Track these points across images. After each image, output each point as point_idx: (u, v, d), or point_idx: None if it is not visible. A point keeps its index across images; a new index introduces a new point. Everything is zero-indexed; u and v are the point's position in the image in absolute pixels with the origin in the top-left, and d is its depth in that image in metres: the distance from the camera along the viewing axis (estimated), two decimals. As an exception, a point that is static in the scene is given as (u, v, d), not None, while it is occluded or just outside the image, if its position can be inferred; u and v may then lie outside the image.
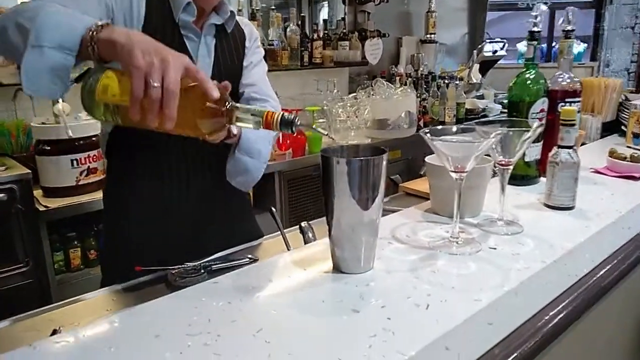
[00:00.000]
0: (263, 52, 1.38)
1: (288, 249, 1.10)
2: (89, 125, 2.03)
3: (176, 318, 0.70)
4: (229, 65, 1.24)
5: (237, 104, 0.79)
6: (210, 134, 0.82)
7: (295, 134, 2.51)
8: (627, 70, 5.77)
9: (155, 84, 0.71)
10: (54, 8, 0.81)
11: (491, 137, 0.84)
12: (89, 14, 0.85)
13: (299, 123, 0.76)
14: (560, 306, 0.83)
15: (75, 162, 2.00)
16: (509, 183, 1.03)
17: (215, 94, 0.76)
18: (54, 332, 0.80)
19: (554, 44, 5.84)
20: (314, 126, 0.85)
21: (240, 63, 1.27)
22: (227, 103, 0.78)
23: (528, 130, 0.93)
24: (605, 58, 5.75)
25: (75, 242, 2.06)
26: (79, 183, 2.01)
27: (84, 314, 0.99)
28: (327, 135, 0.88)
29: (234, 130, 1.09)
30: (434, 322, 0.67)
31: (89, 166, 2.03)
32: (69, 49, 0.77)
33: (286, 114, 0.76)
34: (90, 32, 0.77)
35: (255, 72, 1.32)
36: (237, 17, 1.27)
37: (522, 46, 6.78)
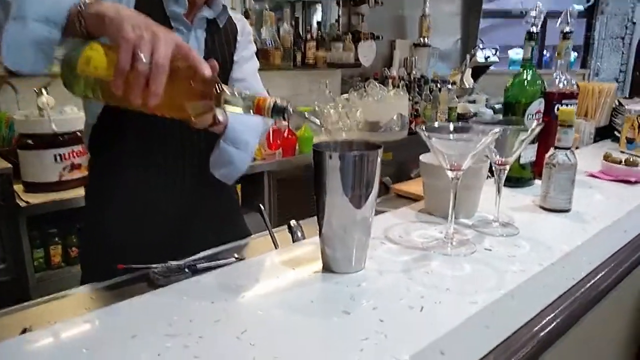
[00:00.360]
0: (255, 48, 1.34)
1: (276, 248, 1.06)
2: (74, 120, 1.97)
3: (155, 318, 0.65)
4: (219, 59, 1.19)
5: (227, 87, 0.75)
6: (196, 117, 0.77)
7: (287, 123, 2.45)
8: (616, 79, 5.83)
9: (144, 58, 0.68)
10: None
11: (489, 135, 0.81)
12: None
13: (291, 110, 0.72)
14: (558, 310, 0.80)
15: (58, 157, 1.94)
16: (503, 185, 1.00)
17: (207, 71, 0.72)
18: (24, 331, 0.76)
19: (545, 51, 5.88)
20: (306, 114, 0.81)
21: (231, 58, 1.24)
22: (217, 84, 0.74)
23: (526, 130, 0.90)
24: (595, 67, 5.81)
25: (56, 239, 2.00)
26: (62, 179, 1.96)
27: (61, 312, 0.94)
28: (320, 126, 0.84)
29: (220, 117, 1.04)
30: (428, 325, 0.64)
31: (72, 162, 1.98)
32: (55, 22, 0.73)
33: (279, 100, 0.72)
34: (78, 6, 0.73)
35: (247, 67, 1.28)
36: (231, 12, 1.24)
37: (513, 53, 6.83)
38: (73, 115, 1.98)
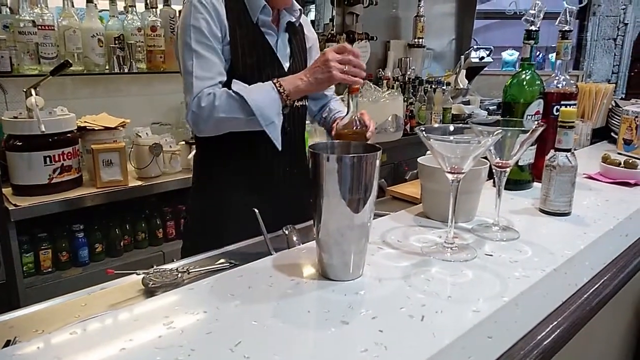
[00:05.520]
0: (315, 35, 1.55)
1: (271, 254, 1.04)
2: (64, 121, 1.93)
3: (145, 329, 0.63)
4: (301, 54, 1.41)
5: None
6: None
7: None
8: (608, 81, 5.85)
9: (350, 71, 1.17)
10: (248, 94, 1.19)
11: (491, 136, 0.79)
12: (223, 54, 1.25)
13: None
14: (561, 318, 0.78)
15: (48, 159, 1.90)
16: (504, 187, 0.98)
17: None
18: (7, 344, 0.72)
19: (537, 52, 5.89)
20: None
21: (306, 50, 1.44)
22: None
23: (527, 131, 0.88)
24: (588, 68, 5.82)
25: (47, 244, 1.96)
26: (52, 181, 1.91)
27: (50, 320, 0.90)
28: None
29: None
30: (430, 336, 0.61)
31: (63, 163, 1.93)
32: (280, 112, 1.22)
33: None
34: (282, 97, 1.20)
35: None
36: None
37: (506, 55, 6.84)
38: (63, 116, 1.93)
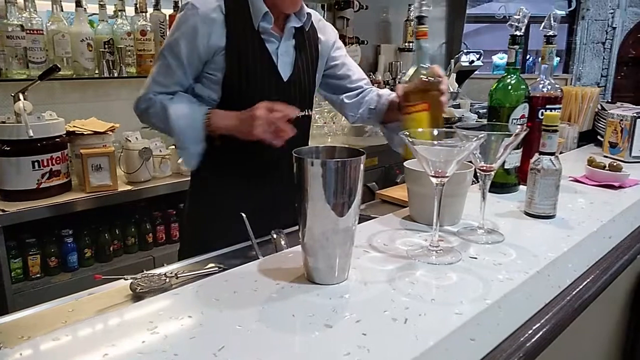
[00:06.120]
0: (335, 33, 1.49)
1: (258, 258, 1.04)
2: (53, 125, 1.92)
3: (129, 333, 0.63)
4: (308, 60, 1.36)
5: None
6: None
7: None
8: (597, 84, 5.91)
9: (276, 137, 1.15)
10: (175, 116, 1.23)
11: (474, 140, 0.80)
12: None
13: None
14: (544, 319, 0.79)
15: (36, 164, 1.89)
16: (488, 191, 0.99)
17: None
18: (-9, 350, 0.72)
19: (528, 56, 5.94)
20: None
21: (317, 54, 1.38)
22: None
23: (510, 135, 0.89)
24: (577, 71, 5.88)
25: (35, 249, 1.94)
26: (41, 186, 1.90)
27: (37, 327, 0.90)
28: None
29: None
30: (412, 339, 0.62)
31: (51, 168, 1.92)
32: (200, 140, 1.25)
33: None
34: (206, 126, 1.23)
35: (348, 59, 1.48)
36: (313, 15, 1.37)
37: (496, 58, 6.90)
38: (51, 121, 1.93)
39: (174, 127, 1.23)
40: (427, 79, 1.11)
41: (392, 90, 1.47)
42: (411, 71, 1.13)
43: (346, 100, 1.47)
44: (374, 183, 2.87)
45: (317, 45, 1.39)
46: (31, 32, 2.04)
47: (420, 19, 1.13)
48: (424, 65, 1.14)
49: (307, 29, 1.34)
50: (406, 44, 3.83)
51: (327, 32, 1.43)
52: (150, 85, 1.28)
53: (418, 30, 1.11)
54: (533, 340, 0.74)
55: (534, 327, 0.76)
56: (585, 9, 5.85)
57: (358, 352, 0.58)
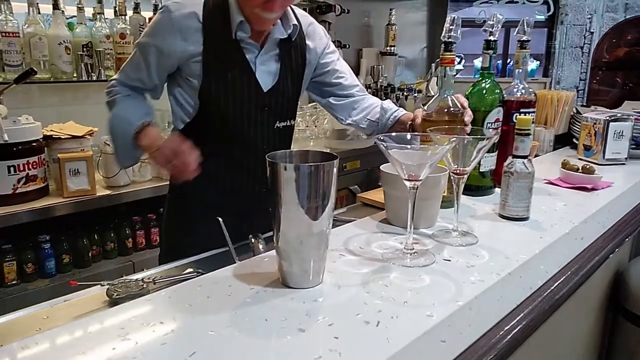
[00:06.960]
0: (329, 43, 1.44)
1: (234, 262, 1.04)
2: (29, 130, 1.89)
3: (100, 342, 0.62)
4: (294, 71, 1.32)
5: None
6: None
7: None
8: (576, 88, 6.02)
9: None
10: (117, 110, 1.28)
11: (445, 145, 0.81)
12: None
13: None
14: (515, 320, 0.80)
15: (12, 168, 1.86)
16: (464, 193, 1.01)
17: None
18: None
19: (509, 60, 6.03)
20: None
21: (304, 64, 1.34)
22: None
23: (482, 139, 0.90)
24: (556, 75, 5.99)
25: (11, 255, 1.91)
26: (17, 191, 1.87)
27: (9, 334, 0.89)
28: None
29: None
30: (384, 341, 0.62)
31: (28, 173, 1.89)
32: (132, 155, 1.30)
33: None
34: (135, 142, 1.23)
35: (340, 64, 1.44)
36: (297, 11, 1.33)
37: (478, 62, 6.98)
38: (28, 125, 1.90)
39: (110, 124, 1.28)
40: (452, 110, 1.07)
41: (387, 97, 1.47)
42: (435, 103, 1.07)
43: (332, 101, 1.44)
44: (356, 186, 2.88)
45: (305, 54, 1.34)
46: (6, 34, 2.01)
47: (447, 45, 1.08)
48: (448, 94, 1.10)
49: (293, 39, 1.29)
50: (387, 47, 3.86)
51: (316, 39, 1.37)
52: (120, 72, 1.32)
53: (443, 57, 1.06)
54: (505, 340, 0.76)
55: (505, 328, 0.77)
56: (564, 14, 5.95)
57: (329, 355, 0.59)
